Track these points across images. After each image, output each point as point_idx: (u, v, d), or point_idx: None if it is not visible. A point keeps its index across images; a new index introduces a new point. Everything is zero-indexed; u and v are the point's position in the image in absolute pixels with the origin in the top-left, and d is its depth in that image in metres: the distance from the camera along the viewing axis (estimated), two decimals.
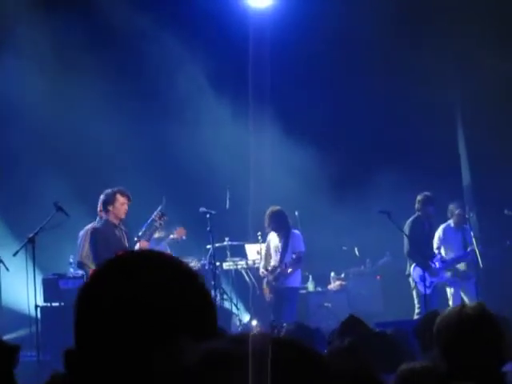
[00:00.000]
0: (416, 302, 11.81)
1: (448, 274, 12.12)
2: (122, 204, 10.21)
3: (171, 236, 12.10)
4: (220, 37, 13.81)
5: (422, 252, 11.62)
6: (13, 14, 13.15)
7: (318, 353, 1.38)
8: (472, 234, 11.92)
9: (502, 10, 12.99)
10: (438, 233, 12.27)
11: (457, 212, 12.21)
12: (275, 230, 11.86)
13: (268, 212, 11.86)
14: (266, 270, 11.89)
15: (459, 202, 12.83)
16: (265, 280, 11.89)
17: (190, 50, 13.65)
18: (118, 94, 13.18)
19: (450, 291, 12.22)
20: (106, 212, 10.23)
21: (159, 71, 13.81)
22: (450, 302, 11.83)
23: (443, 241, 12.23)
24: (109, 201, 10.20)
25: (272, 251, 11.91)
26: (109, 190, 10.27)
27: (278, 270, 11.72)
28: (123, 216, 10.31)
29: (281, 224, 11.77)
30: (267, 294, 11.83)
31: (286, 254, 11.72)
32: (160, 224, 10.89)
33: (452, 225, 12.30)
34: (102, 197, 10.35)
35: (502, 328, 3.49)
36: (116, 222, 10.27)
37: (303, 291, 13.52)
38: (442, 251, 12.20)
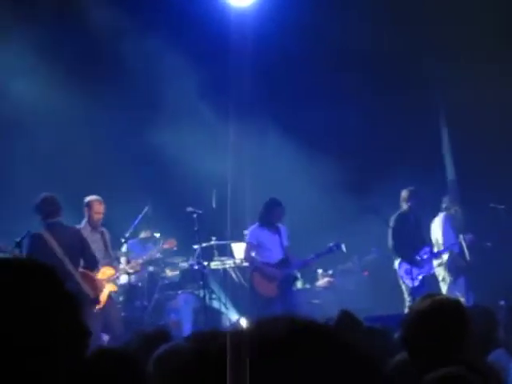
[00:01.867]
0: (405, 296, 11.86)
1: (440, 269, 12.24)
2: (96, 212, 10.83)
3: (162, 246, 12.08)
4: (202, 37, 13.78)
5: (407, 246, 11.68)
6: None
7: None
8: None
9: (485, 10, 13.07)
10: (437, 224, 12.40)
11: (450, 206, 12.39)
12: (270, 223, 11.73)
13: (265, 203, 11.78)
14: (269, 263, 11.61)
15: (453, 196, 13.03)
16: (270, 276, 11.58)
17: (172, 52, 13.62)
18: (102, 96, 13.15)
19: (444, 287, 12.29)
20: (86, 214, 10.88)
21: (143, 74, 13.77)
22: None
23: (444, 229, 12.36)
24: (87, 205, 10.88)
25: (272, 246, 11.69)
26: (88, 197, 10.90)
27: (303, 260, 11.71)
28: (96, 223, 10.85)
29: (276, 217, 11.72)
30: (274, 290, 11.58)
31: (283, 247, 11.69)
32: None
33: (445, 218, 12.44)
34: (85, 200, 10.94)
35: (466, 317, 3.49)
36: (91, 226, 10.84)
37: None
38: (440, 240, 12.31)
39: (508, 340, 5.68)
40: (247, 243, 11.77)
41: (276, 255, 11.62)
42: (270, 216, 11.62)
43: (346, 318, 5.19)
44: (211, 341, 1.37)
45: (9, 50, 13.06)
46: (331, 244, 11.73)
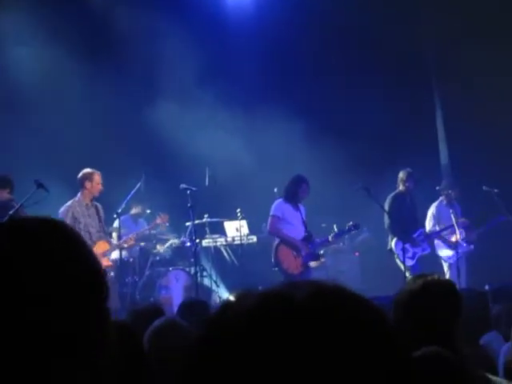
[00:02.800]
0: (407, 274, 11.89)
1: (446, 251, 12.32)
2: (97, 183, 10.78)
3: (155, 221, 12.08)
4: (203, 17, 13.78)
5: (403, 226, 11.71)
6: None
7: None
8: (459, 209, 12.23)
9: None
10: (431, 211, 12.49)
11: (448, 190, 12.43)
12: (294, 200, 11.60)
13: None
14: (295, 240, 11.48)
15: (449, 180, 13.09)
16: (297, 250, 11.45)
17: (174, 34, 13.60)
18: (103, 73, 13.15)
19: (446, 265, 12.35)
20: (82, 189, 10.79)
21: (144, 53, 13.77)
22: (447, 276, 11.98)
23: (437, 218, 12.42)
24: (87, 177, 10.76)
25: (295, 222, 11.58)
26: (87, 169, 10.79)
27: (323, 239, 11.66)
28: (97, 194, 10.86)
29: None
30: (298, 267, 11.46)
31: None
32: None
33: (444, 202, 12.48)
34: (79, 174, 10.82)
35: (458, 299, 3.50)
36: (88, 200, 10.81)
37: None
38: (437, 228, 12.39)
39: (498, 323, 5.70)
40: (272, 216, 11.49)
41: (299, 231, 11.49)
42: (296, 192, 11.52)
43: None
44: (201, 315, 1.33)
45: (13, 22, 13.10)
46: (351, 223, 11.69)
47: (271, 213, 11.55)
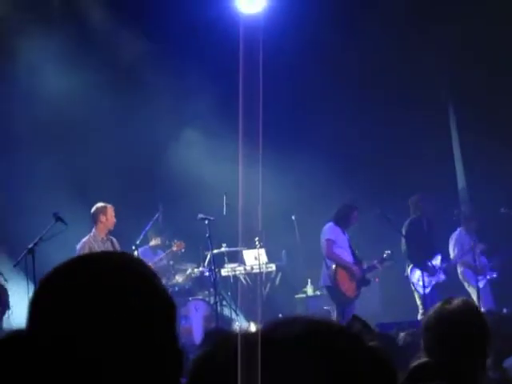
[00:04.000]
0: (418, 303, 11.84)
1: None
2: (111, 216, 10.91)
3: (171, 249, 12.11)
4: (211, 43, 13.81)
5: (420, 253, 11.66)
6: None
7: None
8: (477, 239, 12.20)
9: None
10: (453, 239, 12.46)
11: (468, 221, 12.41)
12: (344, 225, 11.73)
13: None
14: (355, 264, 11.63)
15: (469, 209, 13.07)
16: (353, 274, 11.56)
17: (181, 58, 13.66)
18: (125, 105, 13.29)
19: (473, 291, 12.27)
20: (96, 223, 10.87)
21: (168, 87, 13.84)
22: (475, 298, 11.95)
23: (461, 245, 12.39)
24: (102, 211, 10.88)
25: (344, 246, 11.67)
26: (100, 203, 10.92)
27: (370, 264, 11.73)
28: (112, 227, 10.95)
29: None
30: (354, 291, 11.57)
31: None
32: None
33: (463, 231, 12.46)
34: (93, 209, 10.95)
35: (488, 325, 3.45)
36: (103, 234, 10.88)
37: (303, 295, 13.54)
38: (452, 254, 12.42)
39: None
40: (328, 240, 11.58)
41: (348, 255, 11.63)
42: (346, 218, 11.65)
43: (357, 323, 5.15)
44: (222, 343, 1.37)
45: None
46: (389, 252, 11.74)
47: (326, 237, 11.63)
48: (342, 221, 11.62)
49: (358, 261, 11.63)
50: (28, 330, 1.50)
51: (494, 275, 12.38)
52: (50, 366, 1.44)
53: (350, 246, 11.63)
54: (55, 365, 1.44)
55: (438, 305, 3.47)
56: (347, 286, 11.43)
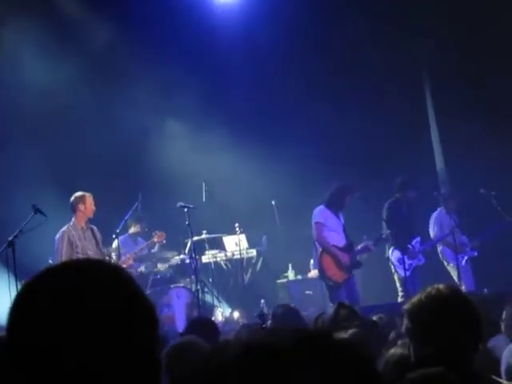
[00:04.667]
0: (398, 285, 11.89)
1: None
2: (90, 204, 10.82)
3: (152, 240, 12.09)
4: (186, 34, 13.75)
5: (400, 235, 11.69)
6: None
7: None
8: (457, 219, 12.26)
9: None
10: (433, 219, 12.54)
11: (448, 201, 12.47)
12: (337, 207, 11.52)
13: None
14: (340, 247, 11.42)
15: (448, 190, 13.14)
16: (339, 260, 11.32)
17: (160, 47, 13.61)
18: (103, 94, 13.24)
19: (453, 270, 12.34)
20: (75, 212, 10.78)
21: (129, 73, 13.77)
22: (455, 277, 12.01)
23: (440, 224, 12.47)
24: (80, 200, 10.78)
25: (337, 229, 11.49)
26: (79, 192, 10.82)
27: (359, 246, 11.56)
28: (91, 216, 10.88)
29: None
30: (341, 276, 11.33)
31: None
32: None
33: (443, 211, 12.51)
34: (71, 198, 10.85)
35: (477, 308, 3.43)
36: (83, 223, 10.83)
37: (284, 280, 13.59)
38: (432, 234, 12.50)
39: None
40: (317, 223, 11.33)
41: (341, 239, 11.42)
42: (342, 200, 11.45)
43: (343, 310, 5.19)
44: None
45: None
46: (383, 233, 11.71)
47: (315, 219, 11.40)
48: (334, 203, 11.43)
49: (350, 244, 11.48)
50: (9, 338, 1.50)
51: (475, 254, 12.45)
52: (33, 376, 1.44)
53: (344, 229, 11.53)
54: (38, 374, 1.44)
55: (422, 292, 3.45)
56: (333, 271, 11.24)
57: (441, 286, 3.42)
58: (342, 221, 11.53)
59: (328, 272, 11.26)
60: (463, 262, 12.27)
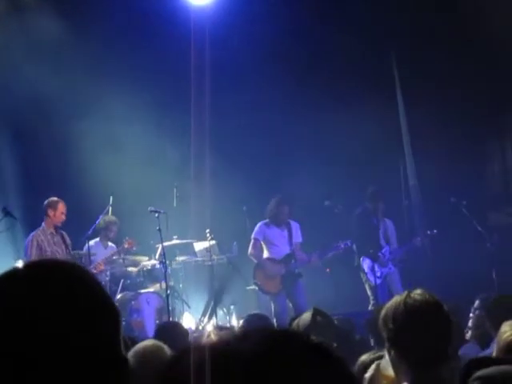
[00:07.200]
0: (369, 293, 11.93)
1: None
2: (61, 212, 10.93)
3: (122, 246, 12.06)
4: (160, 35, 13.70)
5: (370, 244, 11.74)
6: None
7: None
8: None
9: None
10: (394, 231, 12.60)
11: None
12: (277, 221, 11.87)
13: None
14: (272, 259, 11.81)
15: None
16: (270, 272, 11.81)
17: (129, 52, 13.57)
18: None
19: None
20: (45, 217, 10.89)
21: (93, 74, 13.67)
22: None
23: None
24: (51, 206, 10.88)
25: (278, 242, 11.87)
26: (53, 197, 10.93)
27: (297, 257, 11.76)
28: (59, 224, 11.00)
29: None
30: (276, 286, 11.78)
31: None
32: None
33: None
34: (45, 202, 10.95)
35: (449, 314, 3.45)
36: (52, 228, 10.92)
37: (254, 287, 13.54)
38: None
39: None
40: (252, 239, 12.02)
41: (283, 251, 11.84)
42: (276, 214, 11.88)
43: (319, 317, 5.17)
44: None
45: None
46: (340, 243, 11.79)
47: (252, 235, 12.02)
48: (272, 217, 11.91)
49: (287, 256, 11.80)
50: None
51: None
52: None
53: (290, 241, 11.73)
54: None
55: (397, 297, 3.46)
56: (266, 284, 11.86)
57: (412, 294, 3.43)
58: (293, 231, 11.90)
59: (262, 286, 11.92)
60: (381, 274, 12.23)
